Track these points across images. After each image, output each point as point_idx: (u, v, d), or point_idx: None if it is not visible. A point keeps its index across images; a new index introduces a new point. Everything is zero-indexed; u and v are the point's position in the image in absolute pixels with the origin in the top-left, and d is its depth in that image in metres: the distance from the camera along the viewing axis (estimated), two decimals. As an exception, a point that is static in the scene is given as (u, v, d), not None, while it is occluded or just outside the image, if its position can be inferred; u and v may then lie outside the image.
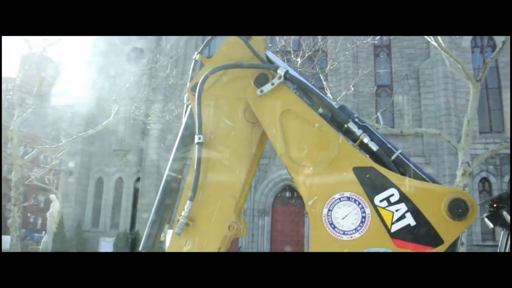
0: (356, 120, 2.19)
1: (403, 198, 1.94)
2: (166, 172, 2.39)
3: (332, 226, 2.02)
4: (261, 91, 2.23)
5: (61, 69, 29.77)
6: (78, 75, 26.57)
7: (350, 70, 23.29)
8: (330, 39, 22.08)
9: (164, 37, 26.05)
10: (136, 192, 27.79)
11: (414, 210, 1.92)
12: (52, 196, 27.28)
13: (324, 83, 17.02)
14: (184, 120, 2.46)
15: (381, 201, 1.97)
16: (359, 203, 2.00)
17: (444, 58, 14.43)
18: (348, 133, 2.17)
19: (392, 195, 1.96)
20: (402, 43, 25.58)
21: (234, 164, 2.29)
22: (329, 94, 17.48)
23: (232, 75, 2.35)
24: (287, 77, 2.22)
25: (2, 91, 15.95)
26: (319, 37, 18.97)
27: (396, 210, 1.94)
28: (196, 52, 2.51)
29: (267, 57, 2.36)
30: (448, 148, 21.48)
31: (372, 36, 18.86)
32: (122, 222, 27.89)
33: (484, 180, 23.86)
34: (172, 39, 25.64)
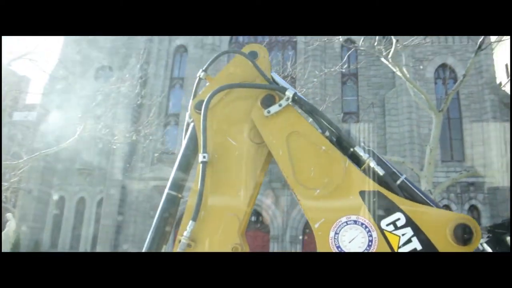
0: (362, 144, 2.19)
1: (409, 223, 1.95)
2: (166, 190, 2.29)
3: (339, 249, 2.01)
4: (268, 112, 2.21)
5: (26, 84, 29.09)
6: (43, 91, 26.04)
7: (318, 96, 23.66)
8: (299, 66, 22.49)
9: (133, 56, 25.92)
10: (98, 212, 27.12)
11: (420, 235, 1.93)
12: (8, 215, 26.15)
13: (293, 108, 17.19)
14: (185, 138, 2.39)
15: (387, 225, 1.97)
16: (366, 227, 1.99)
17: (409, 88, 14.89)
18: (354, 157, 2.16)
19: (399, 219, 1.96)
20: (369, 72, 26.30)
21: (239, 184, 2.24)
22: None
23: (237, 94, 2.33)
24: (295, 99, 2.21)
25: (2, 91, 15.35)
26: (288, 63, 19.28)
27: (403, 234, 1.95)
28: (201, 70, 2.44)
29: (271, 77, 2.35)
30: (411, 175, 21.96)
31: (340, 64, 19.32)
32: (82, 243, 27.06)
33: (446, 207, 24.44)
34: (143, 58, 25.55)
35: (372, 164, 2.10)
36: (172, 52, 27.61)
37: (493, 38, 24.68)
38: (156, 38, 27.05)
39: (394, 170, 2.13)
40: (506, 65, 29.68)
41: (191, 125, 2.40)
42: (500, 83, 27.95)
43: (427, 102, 13.31)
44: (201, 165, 2.18)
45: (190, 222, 2.13)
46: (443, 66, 25.45)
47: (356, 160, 2.15)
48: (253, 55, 2.36)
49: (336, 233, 2.02)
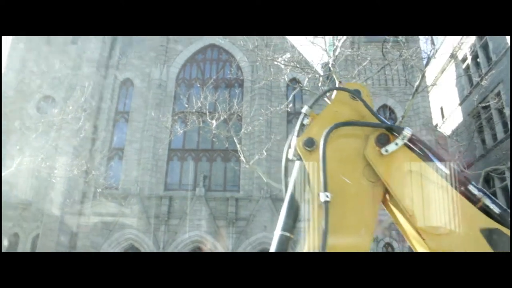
0: (473, 183, 2.21)
1: None
2: (279, 232, 2.20)
3: None
4: (386, 151, 2.21)
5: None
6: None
7: (263, 134, 23.86)
8: (246, 104, 22.78)
9: (78, 88, 25.32)
10: (33, 250, 25.67)
11: None
12: None
13: (238, 146, 17.35)
14: (291, 177, 2.33)
15: None
16: None
17: (350, 128, 15.35)
18: (467, 195, 2.17)
19: None
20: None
21: (359, 224, 2.20)
22: (242, 158, 17.80)
23: (344, 132, 2.30)
24: (413, 138, 2.22)
25: (2, 91, 14.40)
26: (235, 101, 19.52)
27: None
28: (306, 106, 2.42)
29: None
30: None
31: (285, 103, 19.77)
32: (14, 283, 25.40)
33: (388, 245, 25.03)
34: (88, 90, 24.96)
35: (487, 202, 2.13)
36: (118, 85, 27.24)
37: (429, 82, 26.18)
38: (102, 70, 26.66)
39: (505, 208, 2.16)
40: (441, 108, 31.46)
41: (297, 164, 2.34)
42: (436, 125, 29.52)
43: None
44: (323, 205, 2.12)
45: None
46: (384, 107, 26.57)
47: (469, 198, 2.16)
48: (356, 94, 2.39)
49: None
